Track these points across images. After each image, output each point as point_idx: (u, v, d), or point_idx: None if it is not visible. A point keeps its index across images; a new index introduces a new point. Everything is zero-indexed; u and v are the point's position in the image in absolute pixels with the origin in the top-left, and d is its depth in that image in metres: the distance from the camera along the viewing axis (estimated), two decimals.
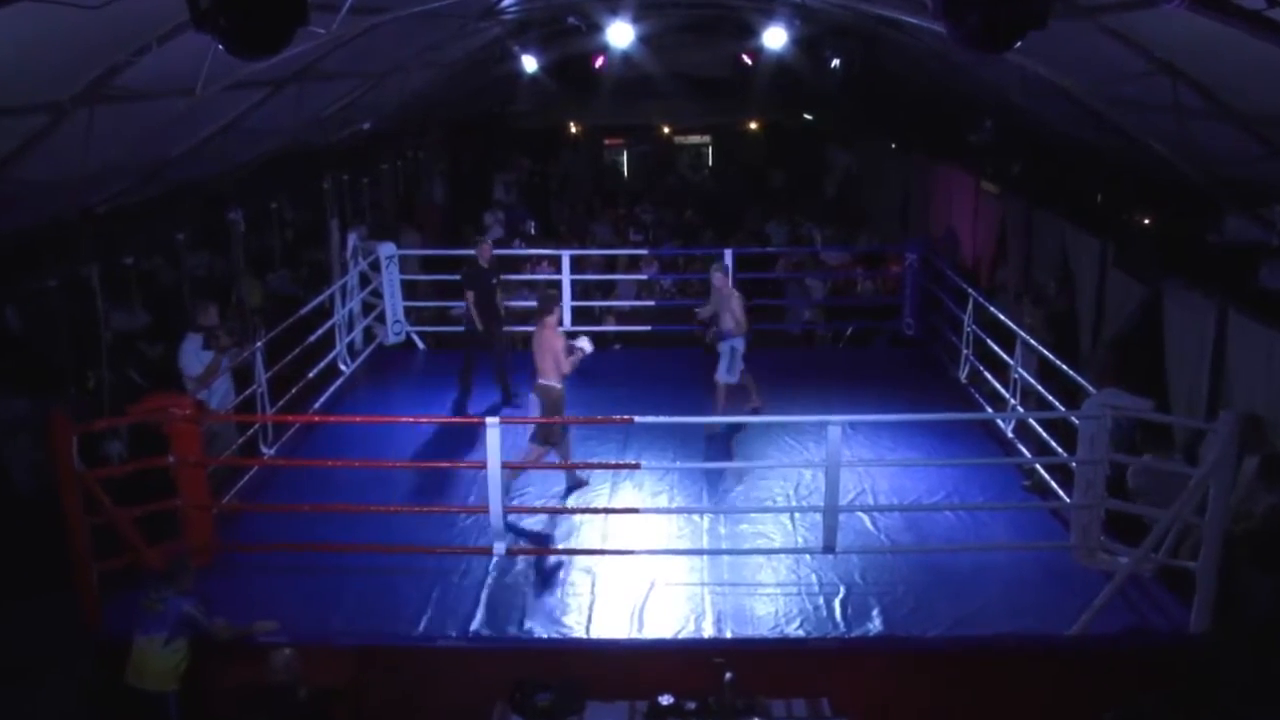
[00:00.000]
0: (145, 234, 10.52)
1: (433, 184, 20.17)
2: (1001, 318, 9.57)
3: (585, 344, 8.27)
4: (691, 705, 5.72)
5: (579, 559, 7.40)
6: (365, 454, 8.65)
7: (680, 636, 6.62)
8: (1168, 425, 8.11)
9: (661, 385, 10.53)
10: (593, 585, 7.13)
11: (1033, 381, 8.62)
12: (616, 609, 6.88)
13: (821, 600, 6.92)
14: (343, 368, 11.00)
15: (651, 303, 13.21)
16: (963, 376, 10.61)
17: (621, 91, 17.85)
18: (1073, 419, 7.40)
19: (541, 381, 8.23)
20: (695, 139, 25.61)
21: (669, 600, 6.96)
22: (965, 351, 10.50)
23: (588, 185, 22.99)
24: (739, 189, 22.07)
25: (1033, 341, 8.68)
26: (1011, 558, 7.37)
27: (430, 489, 8.39)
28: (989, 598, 6.89)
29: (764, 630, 6.65)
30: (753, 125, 23.88)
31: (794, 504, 8.23)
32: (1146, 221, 9.79)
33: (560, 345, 8.15)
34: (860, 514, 7.94)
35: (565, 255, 12.41)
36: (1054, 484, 7.92)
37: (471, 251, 10.57)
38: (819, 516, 7.19)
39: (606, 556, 7.39)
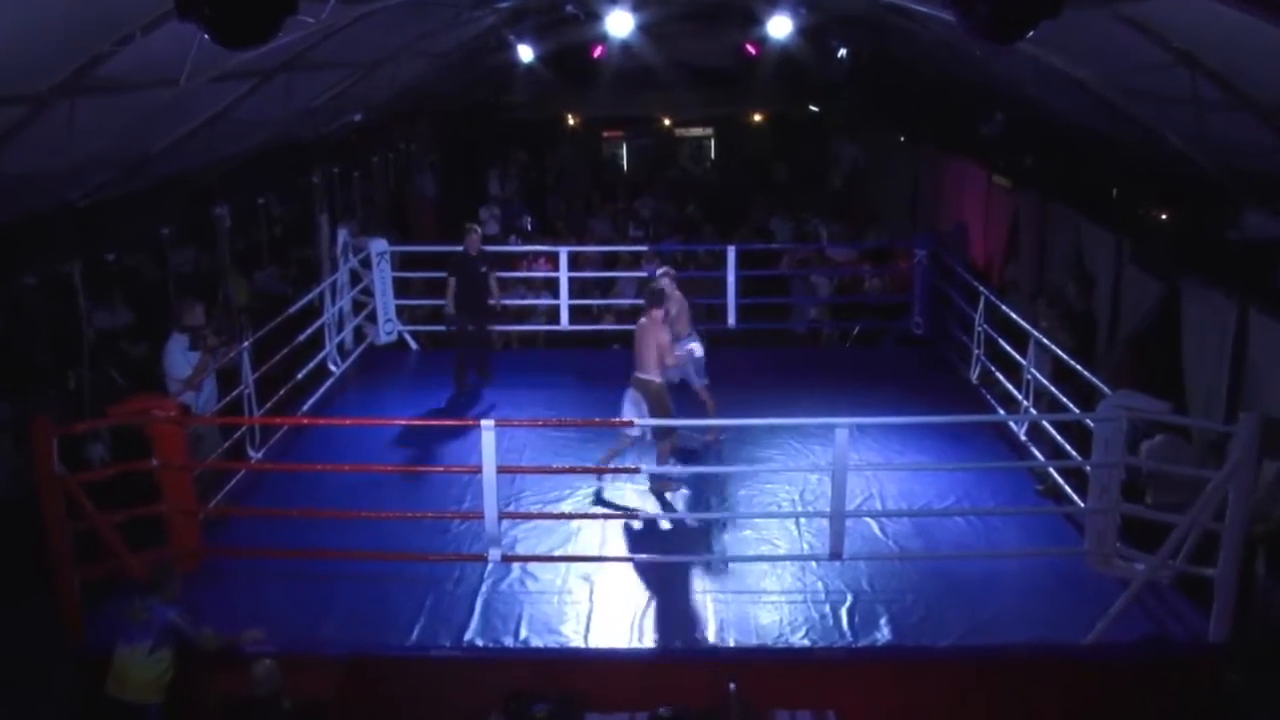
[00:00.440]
0: (128, 229, 10.52)
1: (423, 178, 20.17)
2: (1014, 317, 9.58)
3: (697, 348, 8.80)
4: (694, 717, 5.73)
5: (577, 566, 7.40)
6: (356, 458, 8.65)
7: (682, 646, 6.62)
8: (1186, 428, 8.12)
9: None
10: (591, 593, 7.13)
11: (1046, 382, 8.62)
12: (616, 618, 6.88)
13: (828, 608, 6.92)
14: (332, 368, 11.00)
15: None
16: (974, 377, 10.61)
17: (621, 82, 17.86)
18: (1087, 421, 7.41)
19: (641, 375, 8.32)
20: (697, 131, 25.60)
21: (670, 608, 6.96)
22: (976, 351, 10.50)
23: (586, 179, 22.98)
24: (742, 183, 22.08)
25: (1046, 342, 8.68)
26: (1024, 564, 7.37)
27: (423, 494, 8.39)
28: (1001, 606, 6.90)
29: (768, 639, 6.64)
30: (756, 117, 23.88)
31: (799, 509, 8.23)
32: (1164, 217, 9.78)
33: (667, 339, 8.32)
34: (868, 519, 7.94)
35: (563, 252, 12.41)
36: (1068, 488, 7.93)
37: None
38: (825, 522, 7.18)
39: (605, 563, 7.40)
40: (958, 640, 6.57)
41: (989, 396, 10.17)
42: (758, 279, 13.23)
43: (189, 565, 7.01)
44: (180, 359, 8.45)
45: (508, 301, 12.76)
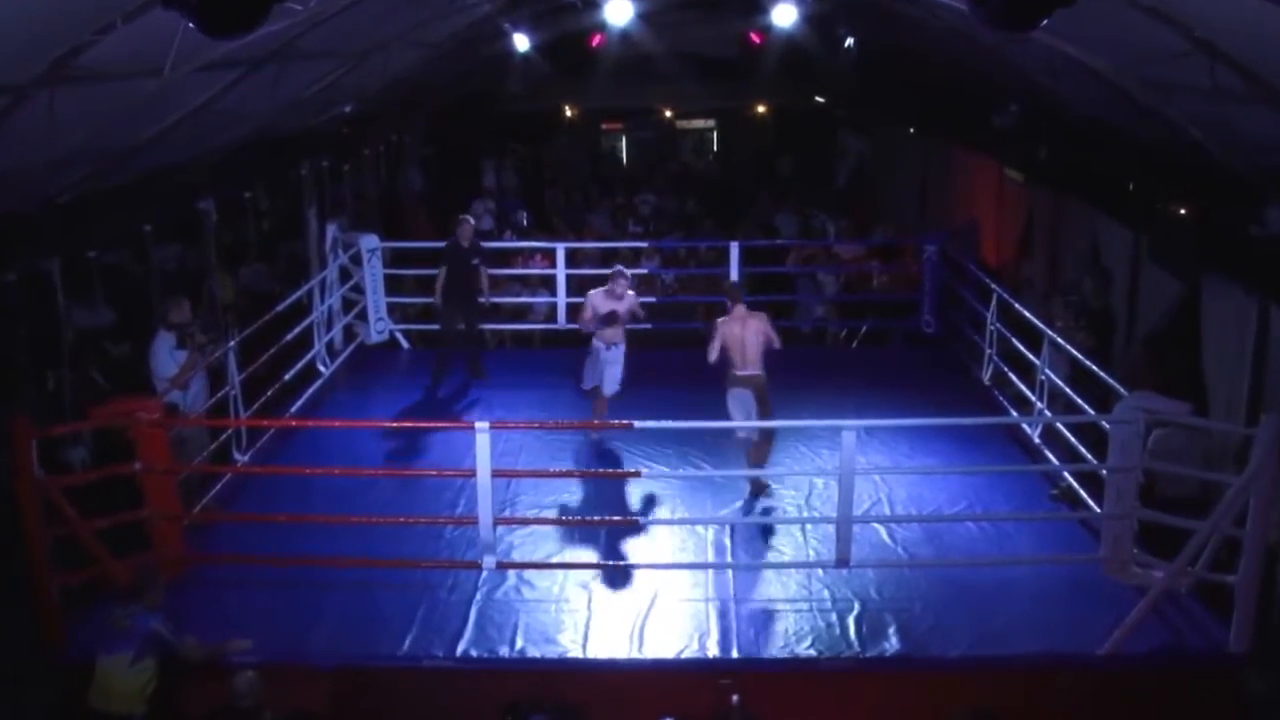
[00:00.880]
0: (110, 225, 10.49)
1: (412, 172, 20.18)
2: (1028, 315, 9.57)
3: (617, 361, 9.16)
4: None
5: (575, 573, 7.41)
6: (346, 461, 8.65)
7: (683, 656, 6.62)
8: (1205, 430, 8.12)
9: (663, 387, 10.52)
10: (589, 601, 7.13)
11: (1060, 383, 8.62)
12: (615, 627, 6.88)
13: (835, 617, 6.93)
14: (322, 368, 11.00)
15: (652, 299, 13.20)
16: (986, 378, 10.62)
17: (620, 72, 17.86)
18: (1104, 423, 7.40)
19: (754, 371, 8.41)
20: (699, 123, 25.61)
21: (671, 617, 6.97)
22: (988, 351, 10.51)
23: (584, 173, 23.00)
24: (745, 177, 22.08)
25: (1061, 341, 8.68)
26: (1037, 572, 7.37)
27: (416, 498, 8.39)
28: (1013, 615, 6.90)
29: (773, 649, 6.65)
30: (761, 109, 23.87)
31: (805, 514, 8.23)
32: (1183, 212, 9.76)
33: (771, 329, 8.49)
34: (876, 525, 7.94)
35: (559, 248, 12.41)
36: (1083, 493, 7.92)
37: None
38: (832, 528, 7.17)
39: (604, 571, 7.40)
40: (968, 650, 6.57)
41: (1001, 398, 10.17)
42: (762, 276, 13.24)
43: (173, 572, 7.00)
44: (167, 357, 8.45)
45: (505, 300, 12.79)
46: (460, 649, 6.64)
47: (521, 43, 14.11)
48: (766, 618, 6.95)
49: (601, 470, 8.84)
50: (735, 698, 5.88)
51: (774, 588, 7.29)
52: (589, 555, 7.69)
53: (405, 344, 12.35)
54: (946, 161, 16.08)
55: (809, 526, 7.97)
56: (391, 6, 9.44)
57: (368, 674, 6.50)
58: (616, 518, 8.17)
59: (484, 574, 7.31)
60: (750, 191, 20.32)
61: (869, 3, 12.41)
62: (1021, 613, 6.92)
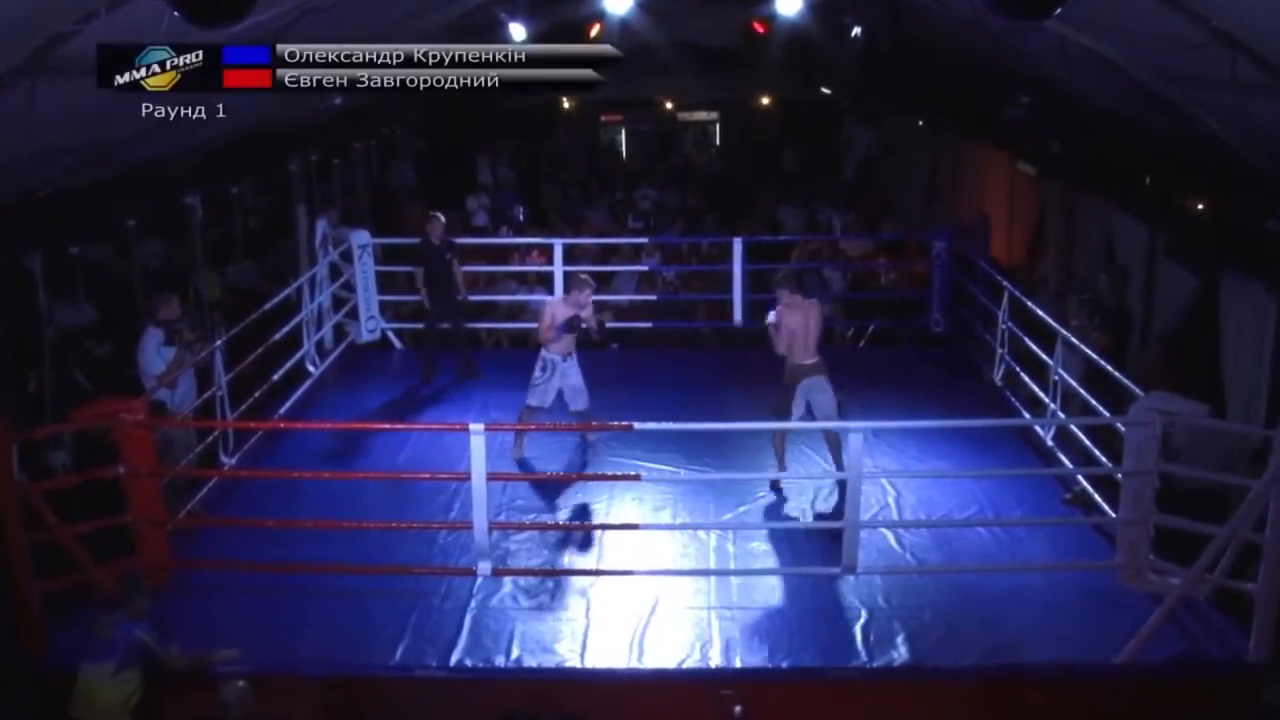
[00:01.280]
0: (93, 221, 10.50)
1: (405, 166, 20.19)
2: (1041, 314, 9.56)
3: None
4: None
5: (572, 580, 7.40)
6: (336, 464, 8.66)
7: (684, 665, 6.62)
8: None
9: (664, 388, 10.54)
10: (588, 609, 7.13)
11: (1074, 384, 8.61)
12: (614, 635, 6.87)
13: (841, 626, 6.92)
14: (311, 368, 11.00)
15: (653, 297, 13.22)
16: (997, 379, 10.61)
17: (620, 63, 17.82)
18: (1119, 425, 7.40)
19: (819, 359, 8.41)
20: (701, 115, 25.62)
21: (672, 625, 6.96)
22: (1000, 351, 10.50)
23: (582, 166, 23.02)
24: (749, 171, 22.09)
25: (1075, 341, 8.67)
26: (1051, 579, 7.37)
27: (408, 502, 8.38)
28: (1026, 623, 6.89)
29: (777, 659, 6.64)
30: (764, 100, 23.89)
31: (810, 519, 8.22)
32: (1200, 207, 9.76)
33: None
34: (884, 531, 7.94)
35: (557, 244, 12.38)
36: (1098, 497, 7.92)
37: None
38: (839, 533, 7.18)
39: (603, 577, 7.39)
40: (980, 660, 6.57)
41: (1013, 399, 10.16)
42: (766, 273, 13.22)
43: (158, 578, 6.99)
44: (155, 354, 8.44)
45: (501, 298, 12.80)
46: (454, 658, 6.64)
47: (518, 32, 14.10)
48: (770, 626, 6.94)
49: (600, 473, 8.82)
50: (738, 708, 5.89)
51: (778, 595, 7.28)
52: (587, 561, 7.68)
53: (397, 343, 12.34)
54: (956, 154, 16.08)
55: (814, 532, 7.96)
56: None
57: (358, 684, 6.49)
58: (615, 522, 8.17)
59: (479, 580, 7.29)
60: (753, 185, 20.31)
61: None
62: (1034, 621, 6.92)
